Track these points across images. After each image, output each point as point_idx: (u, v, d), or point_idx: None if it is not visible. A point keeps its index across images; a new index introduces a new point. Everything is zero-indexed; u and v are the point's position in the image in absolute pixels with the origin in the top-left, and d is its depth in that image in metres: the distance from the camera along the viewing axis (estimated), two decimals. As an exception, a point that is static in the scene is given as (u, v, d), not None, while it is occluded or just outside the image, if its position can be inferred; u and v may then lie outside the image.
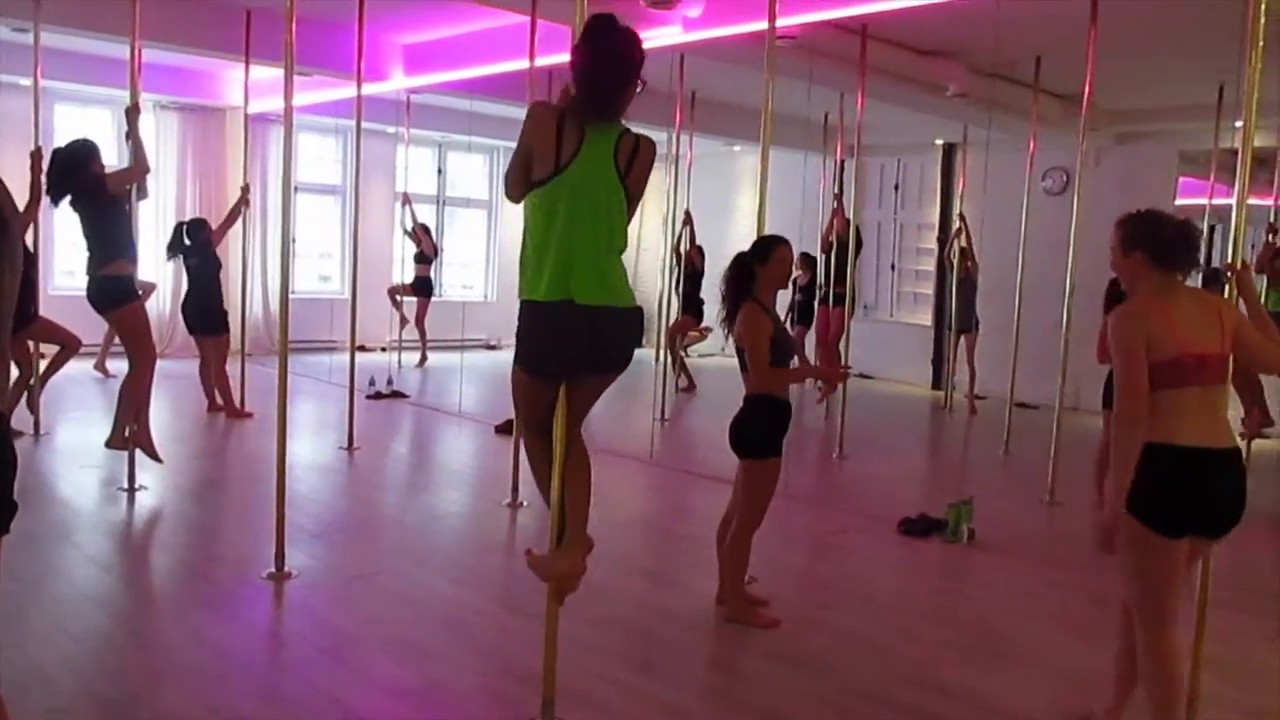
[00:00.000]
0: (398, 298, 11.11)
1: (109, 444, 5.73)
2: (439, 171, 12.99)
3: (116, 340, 7.59)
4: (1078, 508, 6.08)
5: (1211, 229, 8.05)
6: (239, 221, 8.34)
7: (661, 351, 8.70)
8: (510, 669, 3.50)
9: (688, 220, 9.63)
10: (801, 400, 8.12)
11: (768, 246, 4.02)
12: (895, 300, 12.21)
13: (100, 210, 5.44)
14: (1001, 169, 8.09)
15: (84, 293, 5.55)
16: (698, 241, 9.92)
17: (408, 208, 11.21)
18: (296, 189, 6.61)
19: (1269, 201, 7.19)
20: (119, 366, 7.24)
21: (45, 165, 5.52)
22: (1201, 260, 3.41)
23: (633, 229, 3.02)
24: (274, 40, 6.11)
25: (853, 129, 7.67)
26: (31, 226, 5.98)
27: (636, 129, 2.95)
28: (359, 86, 7.16)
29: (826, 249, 9.21)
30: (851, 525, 5.71)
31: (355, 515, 5.62)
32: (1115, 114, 9.44)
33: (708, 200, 10.62)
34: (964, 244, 9.39)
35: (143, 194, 5.80)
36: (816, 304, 9.64)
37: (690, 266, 9.90)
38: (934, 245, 11.53)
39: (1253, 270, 4.10)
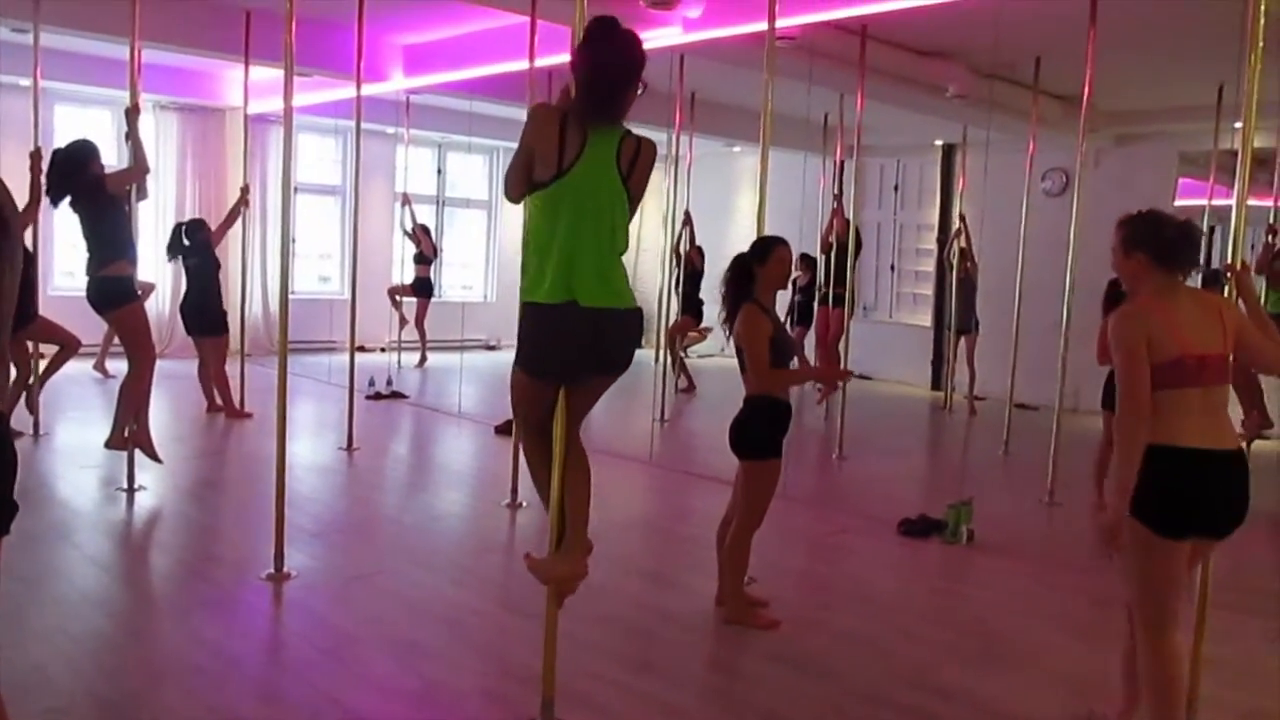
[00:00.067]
0: (398, 298, 11.11)
1: (108, 444, 5.73)
2: (438, 172, 12.98)
3: (116, 341, 7.59)
4: (1077, 508, 6.08)
5: (1211, 230, 8.04)
6: (238, 222, 8.35)
7: (661, 352, 8.70)
8: (509, 669, 3.50)
9: (687, 221, 9.63)
10: (801, 401, 8.12)
11: (766, 247, 4.02)
12: (895, 301, 12.21)
13: (100, 211, 5.44)
14: (1001, 170, 8.09)
15: (83, 293, 5.55)
16: (697, 242, 9.92)
17: (407, 208, 11.21)
18: (296, 189, 6.61)
19: (1268, 202, 7.19)
20: (118, 367, 7.24)
21: (45, 166, 5.52)
22: (1202, 261, 3.41)
23: (632, 229, 3.02)
24: (274, 41, 6.12)
25: (852, 130, 7.66)
26: (31, 227, 5.97)
27: (636, 130, 2.96)
28: (358, 87, 7.16)
29: (826, 250, 9.21)
30: (851, 526, 5.71)
31: (355, 516, 5.62)
32: (1115, 115, 9.44)
33: (707, 201, 10.62)
34: (963, 245, 9.39)
35: (142, 194, 5.80)
36: (816, 305, 9.64)
37: (690, 266, 9.90)
38: (933, 246, 11.53)
39: (1252, 271, 4.09)
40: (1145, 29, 6.74)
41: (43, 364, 7.09)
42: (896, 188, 11.97)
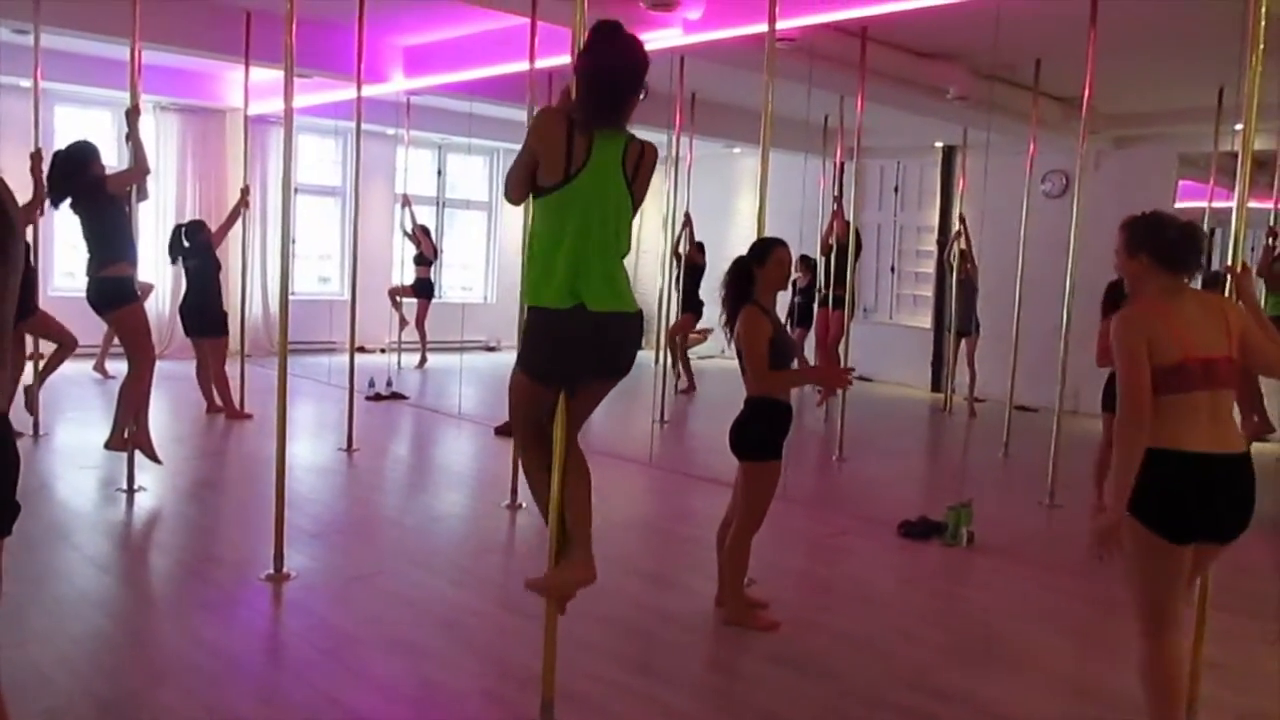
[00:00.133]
0: (398, 299, 11.12)
1: (108, 445, 5.73)
2: (439, 173, 12.99)
3: (116, 341, 7.59)
4: (1077, 510, 6.07)
5: (1211, 232, 8.04)
6: (239, 223, 8.35)
7: (661, 353, 8.70)
8: (509, 670, 3.50)
9: (687, 222, 9.64)
10: (801, 403, 8.12)
11: (765, 248, 4.03)
12: (895, 303, 12.21)
13: (100, 212, 5.45)
14: (1001, 172, 8.09)
15: (83, 294, 5.56)
16: (697, 240, 9.91)
17: (407, 209, 11.21)
18: (296, 190, 6.60)
19: (1269, 205, 7.19)
20: (118, 368, 7.24)
21: (46, 167, 5.52)
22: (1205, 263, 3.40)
23: (632, 231, 3.02)
24: (274, 42, 6.12)
25: (852, 131, 7.66)
26: (31, 226, 5.98)
27: (636, 132, 2.96)
28: (359, 88, 7.16)
29: (826, 251, 9.21)
30: (851, 528, 5.71)
31: (354, 516, 5.62)
32: (1115, 117, 9.45)
33: (707, 202, 10.62)
34: (963, 246, 9.39)
35: (143, 195, 5.80)
36: (816, 306, 9.64)
37: (690, 263, 9.90)
38: (933, 248, 11.53)
39: (1253, 274, 4.09)
40: (1146, 31, 6.74)
41: (41, 364, 7.08)
42: (897, 189, 11.97)
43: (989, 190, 8.43)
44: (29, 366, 6.82)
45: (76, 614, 3.84)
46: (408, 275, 11.40)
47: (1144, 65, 7.70)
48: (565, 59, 2.99)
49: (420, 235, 11.34)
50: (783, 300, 5.38)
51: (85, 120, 10.73)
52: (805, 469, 7.16)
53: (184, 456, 6.59)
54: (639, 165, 2.91)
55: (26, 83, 7.63)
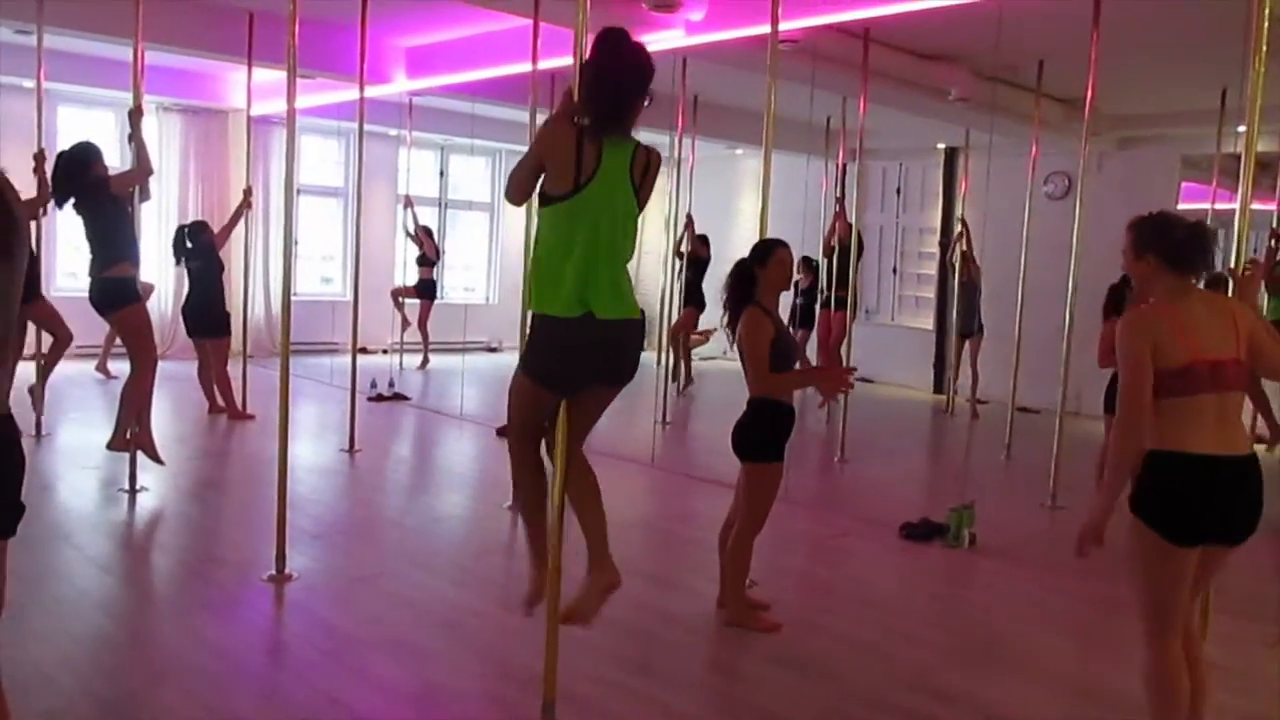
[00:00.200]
0: (401, 300, 11.13)
1: (110, 446, 5.74)
2: (441, 174, 12.99)
3: (118, 342, 7.59)
4: (1079, 513, 5.98)
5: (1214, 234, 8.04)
6: (241, 223, 8.35)
7: (662, 354, 8.69)
8: (510, 671, 3.50)
9: (689, 224, 9.64)
10: (803, 404, 8.11)
11: (766, 249, 4.04)
12: (897, 304, 12.20)
13: (103, 212, 5.46)
14: (1003, 173, 8.08)
15: (84, 294, 5.56)
16: (701, 233, 9.90)
17: (410, 210, 11.22)
18: (299, 191, 6.61)
19: (1271, 207, 7.18)
20: (120, 368, 7.24)
21: (49, 168, 5.53)
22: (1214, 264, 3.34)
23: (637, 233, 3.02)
24: (276, 42, 6.11)
25: (855, 133, 7.66)
26: (34, 224, 5.98)
27: (638, 134, 2.96)
28: (361, 89, 7.16)
29: (828, 253, 9.21)
30: (853, 529, 5.71)
31: (356, 517, 5.62)
32: (1117, 118, 9.44)
33: (709, 204, 10.62)
34: (965, 248, 9.38)
35: (145, 196, 5.81)
36: (818, 308, 9.64)
37: (694, 256, 9.89)
38: (936, 249, 11.52)
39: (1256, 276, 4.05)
40: (1148, 32, 6.73)
41: (40, 364, 7.08)
42: (899, 191, 11.97)
43: (991, 192, 8.42)
44: (29, 366, 6.82)
45: (78, 614, 3.84)
46: (410, 276, 11.41)
47: (1147, 67, 7.70)
48: (568, 60, 2.98)
49: (423, 236, 11.35)
50: (784, 301, 5.38)
51: (88, 121, 10.74)
52: (807, 470, 7.16)
53: (186, 457, 6.59)
54: (645, 172, 2.91)
55: (30, 83, 7.64)
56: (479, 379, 9.81)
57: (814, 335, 9.77)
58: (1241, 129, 3.39)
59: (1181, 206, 9.38)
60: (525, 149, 3.04)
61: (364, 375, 8.01)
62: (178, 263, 8.50)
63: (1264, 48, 3.23)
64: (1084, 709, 3.44)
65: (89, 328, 7.05)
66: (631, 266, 2.98)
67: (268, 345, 11.23)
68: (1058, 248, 6.68)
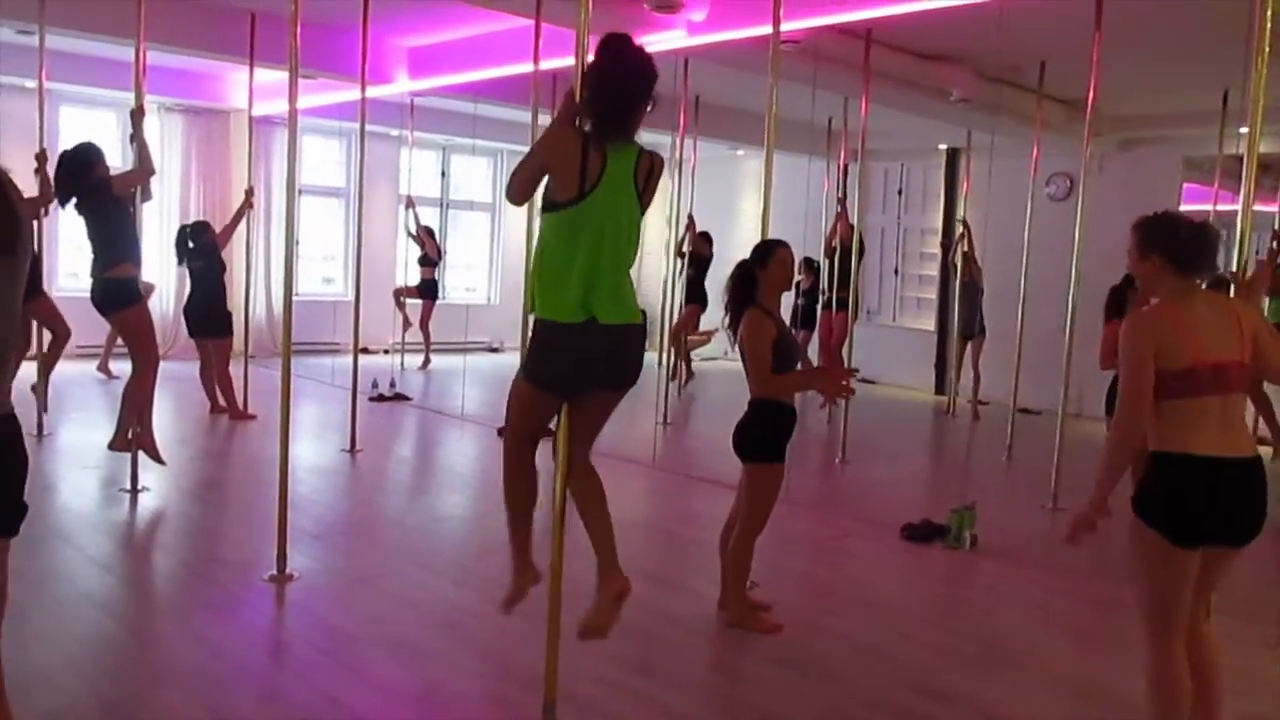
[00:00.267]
0: (403, 300, 11.13)
1: (112, 446, 5.74)
2: (443, 174, 12.99)
3: (119, 342, 7.60)
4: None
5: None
6: (243, 223, 8.36)
7: (663, 355, 8.69)
8: (511, 672, 3.50)
9: (690, 225, 9.64)
10: (805, 405, 8.11)
11: (767, 250, 4.04)
12: (898, 305, 12.20)
13: (105, 213, 5.46)
14: (1005, 174, 8.08)
15: (86, 293, 5.57)
16: (703, 230, 9.90)
17: (411, 210, 11.23)
18: (300, 191, 6.62)
19: (1274, 208, 7.18)
20: (122, 368, 7.25)
21: (51, 168, 5.53)
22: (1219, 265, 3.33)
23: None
24: (278, 43, 6.12)
25: (856, 133, 7.66)
26: (36, 224, 5.98)
27: (639, 134, 2.96)
28: (363, 89, 7.17)
29: (830, 254, 9.20)
30: (854, 530, 5.71)
31: (357, 517, 5.62)
32: (1119, 120, 9.43)
33: (711, 205, 10.62)
34: (966, 249, 9.38)
35: (147, 196, 5.81)
36: (819, 309, 9.64)
37: (696, 254, 9.89)
38: (937, 250, 11.52)
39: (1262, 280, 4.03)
40: (1150, 33, 6.73)
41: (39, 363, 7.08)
42: (900, 192, 11.97)
43: (993, 193, 8.42)
44: (29, 366, 6.82)
45: (79, 614, 3.85)
46: (412, 276, 11.42)
47: (1149, 67, 7.69)
48: (569, 61, 2.98)
49: (424, 236, 11.35)
50: (786, 302, 5.38)
51: (90, 121, 10.75)
52: (808, 471, 7.16)
53: (187, 457, 6.60)
54: (649, 177, 2.91)
55: (31, 83, 7.63)
56: (480, 379, 9.81)
57: (815, 336, 9.77)
58: (1244, 130, 3.39)
59: (1183, 208, 9.37)
60: (527, 149, 3.04)
61: (365, 375, 8.01)
62: (180, 263, 8.50)
63: (1266, 48, 3.22)
64: (1085, 710, 3.44)
65: (90, 328, 7.05)
66: (633, 267, 2.98)
67: (269, 345, 11.24)
68: (1059, 249, 6.68)
